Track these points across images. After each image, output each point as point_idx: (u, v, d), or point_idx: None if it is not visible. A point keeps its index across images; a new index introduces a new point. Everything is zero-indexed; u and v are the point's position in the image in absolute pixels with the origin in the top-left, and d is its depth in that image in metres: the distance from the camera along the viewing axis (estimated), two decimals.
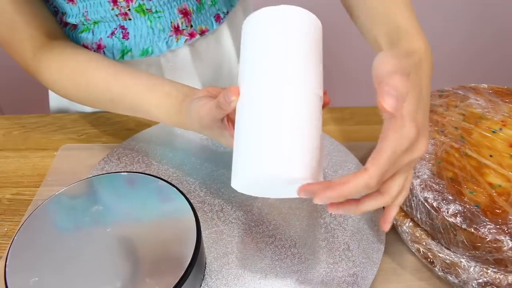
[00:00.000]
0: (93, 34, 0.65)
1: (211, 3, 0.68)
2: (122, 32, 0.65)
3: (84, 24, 0.64)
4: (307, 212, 0.56)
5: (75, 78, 0.58)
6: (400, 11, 0.47)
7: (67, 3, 0.61)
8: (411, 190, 0.50)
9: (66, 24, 0.65)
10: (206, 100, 0.46)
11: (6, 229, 0.58)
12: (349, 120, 0.70)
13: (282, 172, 0.37)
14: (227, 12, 0.71)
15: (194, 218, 0.49)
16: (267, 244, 0.53)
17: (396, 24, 0.46)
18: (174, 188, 0.52)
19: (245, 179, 0.39)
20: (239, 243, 0.53)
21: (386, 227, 0.42)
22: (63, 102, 0.76)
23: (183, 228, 0.48)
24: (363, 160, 0.62)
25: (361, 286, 0.49)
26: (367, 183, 0.36)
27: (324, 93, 0.43)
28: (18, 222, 0.59)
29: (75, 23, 0.64)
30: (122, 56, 0.66)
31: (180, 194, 0.51)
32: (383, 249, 0.53)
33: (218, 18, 0.70)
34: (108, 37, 0.65)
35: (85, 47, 0.65)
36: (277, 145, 0.38)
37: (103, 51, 0.66)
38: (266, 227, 0.55)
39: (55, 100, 0.78)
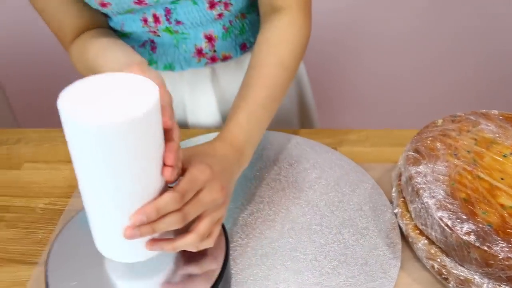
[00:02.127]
0: (128, 40, 0.72)
1: (238, 32, 0.72)
2: (151, 45, 0.70)
3: (121, 32, 0.70)
4: (327, 228, 0.59)
5: (82, 59, 0.64)
6: (259, 94, 0.58)
7: (109, 16, 0.67)
8: (426, 209, 0.53)
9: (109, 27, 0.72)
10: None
11: (40, 236, 0.61)
12: (365, 142, 0.73)
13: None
14: (255, 42, 0.75)
15: (223, 233, 0.52)
16: (290, 258, 0.56)
17: (243, 111, 0.56)
18: None
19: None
20: (263, 256, 0.56)
21: (151, 245, 0.46)
22: None
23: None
24: (379, 181, 0.66)
25: None
26: (172, 197, 0.43)
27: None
28: (52, 230, 0.62)
29: (115, 29, 0.70)
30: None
31: None
32: (399, 265, 0.56)
33: (243, 47, 0.73)
34: (139, 46, 0.71)
35: None
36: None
37: None
38: (288, 241, 0.58)
39: None
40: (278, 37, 0.62)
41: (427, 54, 1.66)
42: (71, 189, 0.67)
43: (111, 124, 0.37)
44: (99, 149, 0.39)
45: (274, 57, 0.60)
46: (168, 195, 0.43)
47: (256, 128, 0.57)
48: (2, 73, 1.74)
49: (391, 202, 0.63)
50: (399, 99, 1.75)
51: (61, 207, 0.65)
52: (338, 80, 1.68)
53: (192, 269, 0.50)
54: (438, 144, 0.59)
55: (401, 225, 0.59)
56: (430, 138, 0.60)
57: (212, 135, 0.73)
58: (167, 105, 0.42)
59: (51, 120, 1.68)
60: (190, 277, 0.50)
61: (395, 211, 0.60)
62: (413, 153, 0.58)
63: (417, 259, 0.57)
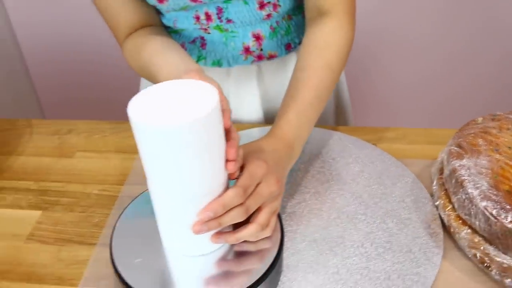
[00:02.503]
0: (179, 37, 0.75)
1: (284, 33, 0.75)
2: (201, 41, 0.74)
3: (173, 28, 0.74)
4: (371, 218, 0.62)
5: (136, 57, 0.68)
6: (307, 94, 0.61)
7: (163, 12, 0.71)
8: (470, 199, 0.56)
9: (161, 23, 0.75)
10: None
11: (97, 220, 0.65)
12: (402, 139, 0.76)
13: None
14: (299, 43, 0.78)
15: (279, 220, 0.55)
16: (337, 244, 0.59)
17: (293, 110, 0.60)
18: None
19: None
20: (312, 242, 0.59)
21: (216, 238, 0.50)
22: None
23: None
24: (418, 176, 0.68)
25: (424, 284, 0.54)
26: (236, 192, 0.47)
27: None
28: (108, 214, 0.65)
29: (167, 26, 0.74)
30: (197, 61, 0.76)
31: None
32: (442, 253, 0.58)
33: (288, 47, 0.77)
34: (189, 42, 0.75)
35: None
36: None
37: None
38: (335, 229, 0.61)
39: None
40: (326, 41, 0.65)
41: (448, 56, 1.69)
42: (123, 177, 0.70)
43: (179, 124, 0.42)
44: (169, 149, 0.43)
45: (322, 60, 0.64)
46: (232, 191, 0.47)
47: (305, 126, 0.61)
48: (32, 66, 1.79)
49: (431, 195, 0.65)
50: (422, 100, 1.79)
51: (115, 194, 0.68)
52: (360, 82, 1.72)
53: (248, 246, 0.53)
54: (480, 140, 0.62)
55: (442, 216, 0.61)
56: (471, 135, 0.63)
57: (254, 131, 0.77)
58: (225, 107, 0.47)
59: (76, 113, 1.72)
60: (245, 255, 0.53)
61: (436, 203, 0.63)
62: (456, 148, 0.61)
63: (458, 248, 0.60)
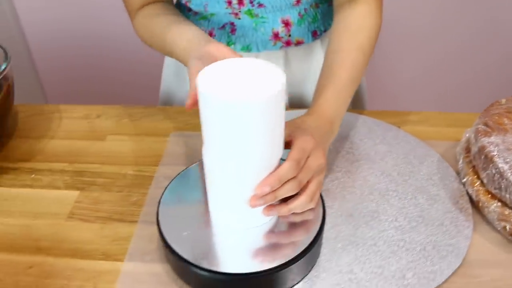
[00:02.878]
0: (208, 23, 0.77)
1: (311, 20, 0.78)
2: (231, 27, 0.76)
3: (203, 14, 0.76)
4: (403, 194, 0.65)
5: (148, 31, 0.71)
6: (343, 75, 0.64)
7: None
8: (501, 173, 0.58)
9: (190, 9, 0.76)
10: (195, 62, 0.55)
11: (135, 198, 0.66)
12: (425, 122, 0.79)
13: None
14: (325, 30, 0.81)
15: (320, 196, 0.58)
16: (372, 218, 0.61)
17: (330, 89, 0.63)
18: None
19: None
20: (348, 216, 0.62)
21: (270, 211, 0.53)
22: (171, 87, 0.88)
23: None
24: (444, 155, 0.71)
25: (458, 255, 0.57)
26: (290, 166, 0.50)
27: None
28: (145, 193, 0.67)
29: (197, 11, 0.75)
30: None
31: None
32: (472, 226, 0.61)
33: (315, 34, 0.79)
34: (219, 28, 0.76)
35: None
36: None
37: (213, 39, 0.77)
38: (369, 204, 0.63)
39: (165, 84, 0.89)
40: (358, 25, 0.68)
41: (454, 45, 1.73)
42: (157, 158, 0.72)
43: (251, 100, 0.44)
44: (237, 123, 0.45)
45: (355, 43, 0.67)
46: (286, 165, 0.50)
47: (342, 105, 0.64)
48: (36, 52, 1.79)
49: (457, 173, 0.68)
50: (429, 88, 1.83)
51: (150, 174, 0.70)
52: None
53: (294, 218, 0.55)
54: (505, 120, 0.65)
55: (470, 192, 0.64)
56: (496, 115, 0.66)
57: None
58: None
59: (80, 100, 1.73)
60: (291, 227, 0.55)
61: (464, 180, 0.66)
62: (483, 127, 0.64)
63: (487, 222, 0.62)
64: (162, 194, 0.59)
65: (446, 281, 0.55)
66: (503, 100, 0.69)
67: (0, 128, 0.75)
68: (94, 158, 0.73)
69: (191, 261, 0.51)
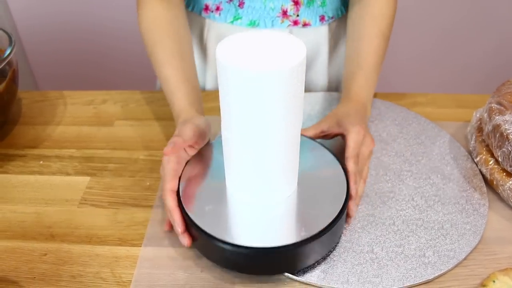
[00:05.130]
0: None
1: (320, 3, 0.77)
2: (239, 0, 0.75)
3: None
4: (417, 174, 0.65)
5: (150, 39, 0.69)
6: (370, 61, 0.68)
7: None
8: None
9: None
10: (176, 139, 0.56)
11: (148, 183, 0.65)
12: (432, 104, 0.79)
13: None
14: (332, 17, 0.80)
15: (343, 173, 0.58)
16: (389, 198, 0.61)
17: (361, 75, 0.67)
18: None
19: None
20: (365, 196, 0.62)
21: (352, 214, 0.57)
22: None
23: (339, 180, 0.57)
24: (454, 135, 0.71)
25: (476, 233, 0.57)
26: (354, 162, 0.57)
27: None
28: (158, 178, 0.66)
29: None
30: (232, 21, 0.77)
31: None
32: (488, 204, 0.61)
33: (322, 19, 0.79)
34: (227, 2, 0.75)
35: (206, 6, 0.78)
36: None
37: (220, 13, 0.77)
38: (385, 185, 0.63)
39: None
40: (380, 11, 0.70)
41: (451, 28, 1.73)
42: (167, 142, 0.71)
43: (272, 70, 0.43)
44: (259, 94, 0.44)
45: (377, 29, 0.70)
46: (351, 161, 0.57)
47: (372, 89, 0.68)
48: (26, 38, 1.75)
49: (469, 153, 0.68)
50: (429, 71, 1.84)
51: (161, 159, 0.69)
52: None
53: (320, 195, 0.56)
54: None
55: (483, 171, 0.65)
56: (509, 93, 0.66)
57: None
58: None
59: (71, 86, 1.71)
60: (315, 200, 0.55)
61: (477, 159, 0.66)
62: (496, 105, 0.64)
63: (502, 200, 0.63)
64: (185, 166, 0.58)
65: (465, 258, 0.55)
66: None
67: (5, 115, 0.73)
68: (104, 143, 0.72)
69: (214, 235, 0.50)
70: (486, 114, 0.65)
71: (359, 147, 0.58)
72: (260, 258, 0.51)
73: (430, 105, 0.79)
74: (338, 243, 0.56)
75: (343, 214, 0.53)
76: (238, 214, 0.54)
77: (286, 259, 0.51)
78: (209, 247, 0.52)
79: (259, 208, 0.54)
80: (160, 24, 0.69)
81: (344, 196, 0.55)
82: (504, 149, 0.61)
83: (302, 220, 0.53)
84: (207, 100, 0.77)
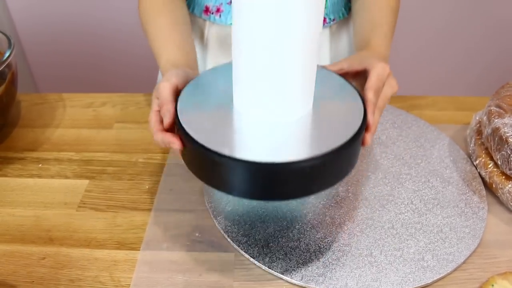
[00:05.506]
0: None
1: None
2: None
3: None
4: (416, 177, 0.65)
5: (146, 23, 0.69)
6: (382, 20, 0.68)
7: None
8: None
9: None
10: (165, 83, 0.52)
11: (147, 186, 0.65)
12: (432, 106, 0.79)
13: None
14: (334, 19, 0.80)
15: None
16: (388, 201, 0.61)
17: (376, 36, 0.65)
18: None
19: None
20: (363, 200, 0.62)
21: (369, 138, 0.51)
22: None
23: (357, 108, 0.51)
24: (453, 138, 0.71)
25: (475, 236, 0.57)
26: (373, 95, 0.52)
27: None
28: (157, 181, 0.66)
29: None
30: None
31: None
32: (487, 207, 0.61)
33: (323, 21, 0.79)
34: (228, 3, 0.75)
35: (207, 7, 0.78)
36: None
37: (220, 14, 0.77)
38: (384, 188, 0.63)
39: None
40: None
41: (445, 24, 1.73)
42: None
43: None
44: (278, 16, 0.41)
45: (386, 3, 0.70)
46: (370, 93, 0.51)
47: (389, 47, 0.65)
48: (26, 39, 1.75)
49: (468, 156, 0.68)
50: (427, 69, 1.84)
51: (161, 161, 0.69)
52: None
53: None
54: None
55: (482, 174, 0.65)
56: (508, 96, 0.66)
57: None
58: None
59: (71, 89, 1.71)
60: (329, 121, 0.50)
61: (476, 162, 0.66)
62: (496, 108, 0.64)
63: (501, 203, 0.63)
64: (182, 91, 0.52)
65: (464, 262, 0.55)
66: None
67: (4, 117, 0.73)
68: (103, 146, 0.72)
69: (211, 148, 0.44)
70: (485, 117, 0.65)
71: (382, 82, 0.54)
72: (269, 176, 0.44)
73: (429, 108, 0.79)
74: (350, 172, 0.50)
75: (360, 136, 0.48)
76: (244, 130, 0.48)
77: (295, 179, 0.45)
78: (204, 164, 0.46)
79: (268, 125, 0.48)
80: (156, 4, 0.69)
81: (362, 115, 0.50)
82: (503, 152, 0.60)
83: (316, 139, 0.47)
84: None
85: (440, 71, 1.87)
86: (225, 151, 0.43)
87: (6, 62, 0.69)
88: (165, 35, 0.65)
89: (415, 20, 1.69)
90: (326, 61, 0.84)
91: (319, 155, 0.44)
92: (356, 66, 0.56)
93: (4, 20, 1.66)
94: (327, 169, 0.46)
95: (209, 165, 0.45)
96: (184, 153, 0.48)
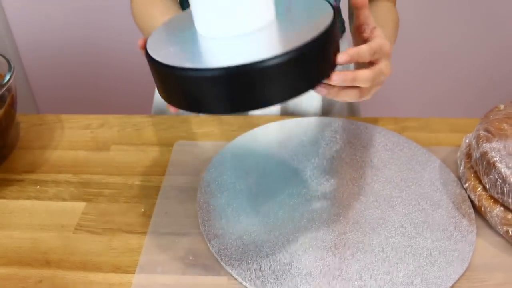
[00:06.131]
0: None
1: None
2: None
3: None
4: (407, 200, 0.66)
5: (139, 12, 0.74)
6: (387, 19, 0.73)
7: None
8: (504, 178, 0.60)
9: None
10: None
11: (143, 209, 0.66)
12: (424, 128, 0.80)
13: None
14: None
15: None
16: (379, 224, 0.63)
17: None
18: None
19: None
20: (355, 223, 0.63)
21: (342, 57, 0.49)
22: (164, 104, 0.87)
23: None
24: (445, 161, 0.73)
25: (464, 260, 0.58)
26: (368, 49, 0.51)
27: None
28: (153, 204, 0.67)
29: None
30: None
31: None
32: (476, 231, 0.62)
33: None
34: None
35: None
36: None
37: None
38: (375, 211, 0.64)
39: (158, 101, 0.88)
40: (384, 14, 0.75)
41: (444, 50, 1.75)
42: (162, 168, 0.73)
43: None
44: None
45: (387, 8, 0.75)
46: (365, 46, 0.50)
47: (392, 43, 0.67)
48: (28, 62, 1.78)
49: (459, 179, 0.70)
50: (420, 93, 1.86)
51: (157, 184, 0.70)
52: None
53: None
54: (505, 125, 0.66)
55: (472, 197, 0.66)
56: (496, 120, 0.67)
57: (271, 124, 0.80)
58: None
59: (71, 109, 1.73)
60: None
61: (465, 185, 0.67)
62: (484, 132, 0.66)
63: (490, 227, 0.64)
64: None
65: (452, 286, 0.56)
66: (502, 106, 0.71)
67: (3, 140, 0.74)
68: (100, 168, 0.73)
69: (174, 65, 0.44)
70: (474, 141, 0.67)
71: (380, 54, 0.52)
72: (234, 82, 0.42)
73: (421, 130, 0.80)
74: (324, 79, 0.48)
75: (334, 30, 0.47)
76: (207, 47, 0.47)
77: (262, 81, 0.42)
78: (169, 82, 0.46)
79: (232, 39, 0.47)
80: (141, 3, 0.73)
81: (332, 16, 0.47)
82: (491, 176, 0.62)
83: (283, 41, 0.46)
84: (203, 125, 0.78)
85: (434, 92, 1.89)
86: (187, 65, 0.43)
87: (6, 86, 0.71)
88: (158, 20, 0.66)
89: (409, 41, 1.71)
90: None
91: (289, 50, 0.42)
92: (364, 33, 0.54)
93: (6, 39, 1.68)
94: (301, 66, 0.44)
95: (176, 83, 0.45)
96: (157, 84, 0.49)
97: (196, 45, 0.48)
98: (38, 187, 0.71)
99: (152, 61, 0.46)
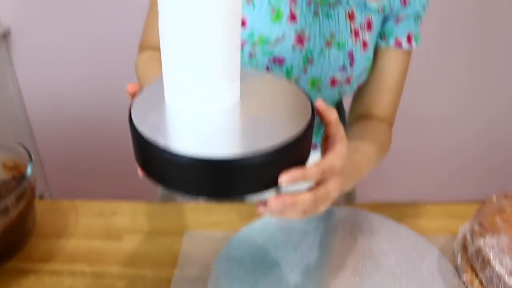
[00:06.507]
0: None
1: (315, 131, 0.86)
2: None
3: None
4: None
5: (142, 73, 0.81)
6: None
7: None
8: (499, 277, 0.63)
9: None
10: None
11: None
12: (422, 215, 0.84)
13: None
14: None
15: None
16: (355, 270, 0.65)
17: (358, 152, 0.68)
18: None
19: None
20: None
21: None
22: None
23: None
24: (442, 250, 0.76)
25: None
26: (316, 171, 0.50)
27: None
28: None
29: None
30: None
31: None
32: None
33: (314, 146, 0.88)
34: None
35: None
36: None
37: None
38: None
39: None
40: (375, 130, 0.79)
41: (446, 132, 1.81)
42: (173, 257, 0.76)
43: None
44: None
45: (379, 139, 0.77)
46: (313, 168, 0.49)
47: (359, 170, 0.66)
48: (40, 144, 1.83)
49: (456, 269, 0.73)
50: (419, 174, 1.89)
51: (168, 275, 0.73)
52: None
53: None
54: (497, 219, 0.70)
55: None
56: (489, 214, 0.71)
57: None
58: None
59: (81, 189, 1.77)
60: (270, 111, 0.52)
61: (463, 277, 0.70)
62: (478, 227, 0.70)
63: None
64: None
65: None
66: (494, 198, 0.75)
67: (23, 229, 0.78)
68: (113, 258, 0.76)
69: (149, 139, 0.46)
70: (469, 234, 0.70)
71: (327, 175, 0.51)
72: (198, 172, 0.45)
73: (420, 217, 0.84)
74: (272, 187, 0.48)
75: (310, 131, 0.49)
76: (174, 121, 0.50)
77: (221, 175, 0.45)
78: (143, 153, 0.49)
79: (197, 115, 0.49)
80: (147, 59, 0.81)
81: (310, 108, 0.51)
82: (487, 273, 0.65)
83: (253, 131, 0.48)
84: (212, 213, 0.82)
85: (434, 174, 1.92)
86: (160, 141, 0.45)
87: (28, 178, 0.75)
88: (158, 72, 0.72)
89: (409, 122, 1.77)
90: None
91: (249, 155, 0.43)
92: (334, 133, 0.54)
93: (24, 129, 1.75)
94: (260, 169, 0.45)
95: (148, 156, 0.47)
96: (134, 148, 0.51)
97: (166, 116, 0.50)
98: (54, 277, 0.74)
99: (132, 127, 0.49)
